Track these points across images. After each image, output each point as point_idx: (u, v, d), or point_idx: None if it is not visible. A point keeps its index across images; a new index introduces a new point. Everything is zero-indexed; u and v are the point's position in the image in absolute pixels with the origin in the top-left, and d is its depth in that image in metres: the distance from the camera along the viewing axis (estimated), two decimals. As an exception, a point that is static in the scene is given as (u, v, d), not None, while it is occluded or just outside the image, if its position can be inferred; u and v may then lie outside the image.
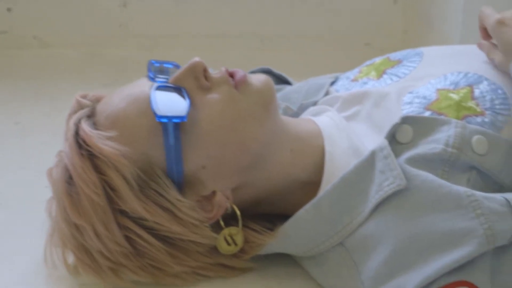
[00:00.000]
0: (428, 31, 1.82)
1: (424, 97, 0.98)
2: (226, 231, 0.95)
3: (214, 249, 0.95)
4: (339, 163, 0.96)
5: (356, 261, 0.90)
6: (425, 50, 1.09)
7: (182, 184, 0.92)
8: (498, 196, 0.86)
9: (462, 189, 0.86)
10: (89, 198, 0.89)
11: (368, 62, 1.14)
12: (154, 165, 0.91)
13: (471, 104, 0.95)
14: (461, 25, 1.62)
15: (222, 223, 0.95)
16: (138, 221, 0.90)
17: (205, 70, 0.94)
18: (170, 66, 0.99)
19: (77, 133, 0.91)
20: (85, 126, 0.91)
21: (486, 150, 0.91)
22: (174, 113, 0.90)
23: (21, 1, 1.82)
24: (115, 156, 0.88)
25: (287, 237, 0.94)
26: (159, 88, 0.93)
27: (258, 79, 0.95)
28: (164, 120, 0.90)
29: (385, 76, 1.06)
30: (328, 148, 0.98)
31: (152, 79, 0.96)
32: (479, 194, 0.86)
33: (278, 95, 1.13)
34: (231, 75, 0.95)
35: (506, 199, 0.86)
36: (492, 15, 0.98)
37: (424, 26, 1.85)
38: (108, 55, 1.81)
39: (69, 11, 1.84)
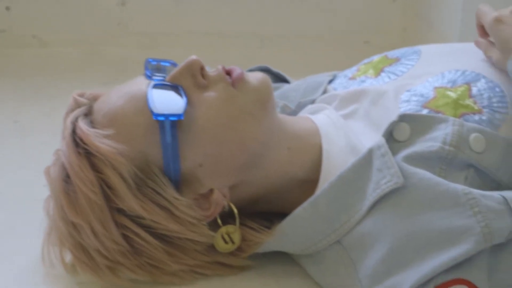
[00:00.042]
0: (427, 29, 1.82)
1: (422, 95, 0.97)
2: (223, 229, 0.95)
3: (212, 248, 0.95)
4: (336, 161, 0.96)
5: (354, 259, 0.90)
6: (423, 48, 1.09)
7: (179, 182, 0.92)
8: (496, 194, 0.86)
9: (459, 187, 0.86)
10: (86, 197, 0.89)
11: (366, 60, 1.14)
12: (151, 163, 0.91)
13: (468, 102, 0.95)
14: (460, 23, 1.62)
15: (219, 221, 0.95)
16: (136, 219, 0.90)
17: (202, 68, 0.94)
18: (167, 64, 0.99)
19: (74, 132, 0.91)
20: (82, 125, 0.91)
21: (484, 148, 0.91)
22: (171, 111, 0.90)
23: (20, 0, 1.82)
24: (112, 154, 0.88)
25: (284, 235, 0.94)
26: (156, 86, 0.93)
27: (255, 77, 0.95)
28: (161, 118, 0.90)
29: (383, 74, 1.06)
30: (325, 146, 0.98)
31: (149, 77, 0.96)
32: (476, 192, 0.86)
33: (276, 93, 1.13)
34: (228, 73, 0.95)
35: (504, 197, 0.86)
36: (489, 13, 0.98)
37: (423, 25, 1.85)
38: (107, 53, 1.80)
39: (68, 10, 1.83)
